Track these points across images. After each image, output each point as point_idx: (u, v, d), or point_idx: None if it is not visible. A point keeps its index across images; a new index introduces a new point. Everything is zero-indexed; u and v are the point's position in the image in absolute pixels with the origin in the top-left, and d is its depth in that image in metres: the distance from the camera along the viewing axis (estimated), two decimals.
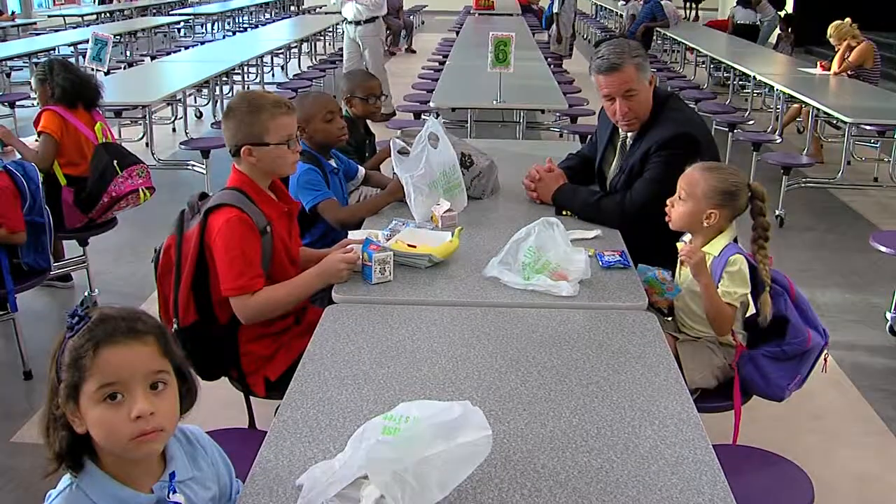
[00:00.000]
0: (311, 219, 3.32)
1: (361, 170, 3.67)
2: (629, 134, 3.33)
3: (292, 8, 23.22)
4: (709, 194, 2.66)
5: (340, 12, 9.75)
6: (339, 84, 4.31)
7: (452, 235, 2.85)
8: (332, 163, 3.46)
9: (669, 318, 2.88)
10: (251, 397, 2.77)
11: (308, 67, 12.25)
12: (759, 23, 13.37)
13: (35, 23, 15.93)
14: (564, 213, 3.28)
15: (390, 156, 3.31)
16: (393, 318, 2.42)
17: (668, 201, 2.76)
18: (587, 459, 1.72)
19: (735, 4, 14.08)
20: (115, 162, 4.43)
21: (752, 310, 2.75)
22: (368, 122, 4.23)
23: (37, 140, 4.54)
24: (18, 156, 4.33)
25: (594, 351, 2.22)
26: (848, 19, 8.58)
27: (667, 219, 2.76)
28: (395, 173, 3.33)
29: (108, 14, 17.87)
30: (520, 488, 1.63)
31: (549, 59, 10.02)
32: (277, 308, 2.64)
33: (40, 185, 3.82)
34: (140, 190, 4.52)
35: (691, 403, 1.96)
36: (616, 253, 2.83)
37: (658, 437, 1.81)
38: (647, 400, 1.96)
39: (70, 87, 4.52)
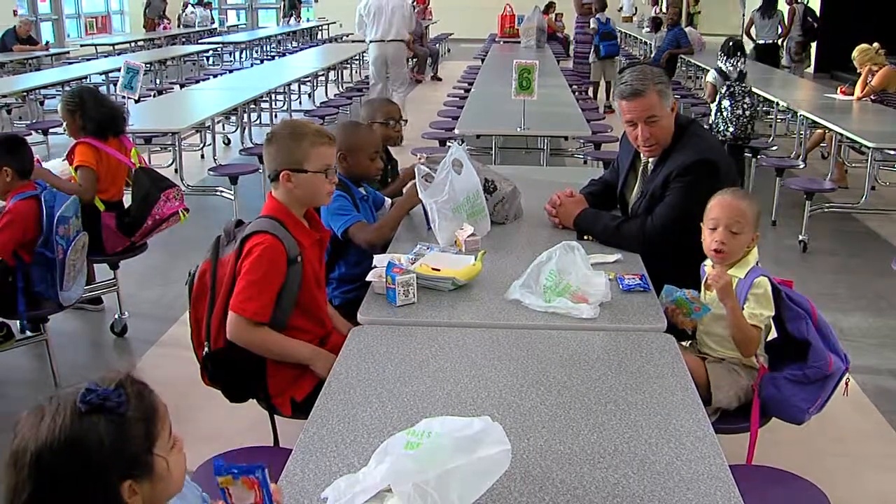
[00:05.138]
0: (343, 245, 3.37)
1: (388, 200, 3.73)
2: (650, 159, 3.37)
3: (319, 36, 23.48)
4: (756, 220, 2.73)
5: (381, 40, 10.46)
6: (360, 112, 4.38)
7: (475, 259, 2.90)
8: (362, 190, 3.53)
9: (687, 343, 2.90)
10: (276, 417, 2.82)
11: (335, 95, 12.37)
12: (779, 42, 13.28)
13: (68, 52, 16.20)
14: (586, 237, 3.33)
15: (412, 180, 3.37)
16: (416, 339, 2.47)
17: (713, 240, 2.74)
18: (604, 475, 1.77)
19: (756, 9, 13.51)
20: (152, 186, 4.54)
21: (773, 333, 2.79)
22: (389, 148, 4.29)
23: (68, 170, 4.60)
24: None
25: (613, 371, 2.26)
26: (876, 44, 8.56)
27: (717, 256, 2.74)
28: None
29: (137, 42, 18.15)
30: (538, 502, 1.68)
31: (573, 86, 10.07)
32: (264, 352, 2.68)
33: (55, 224, 3.78)
34: (179, 211, 4.62)
35: (707, 422, 2.00)
36: (636, 276, 2.88)
37: (674, 453, 1.85)
38: (664, 418, 2.01)
39: (102, 121, 4.61)
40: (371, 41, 10.48)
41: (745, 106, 7.31)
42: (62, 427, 1.28)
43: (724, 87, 7.43)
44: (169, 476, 1.40)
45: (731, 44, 7.82)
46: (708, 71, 8.72)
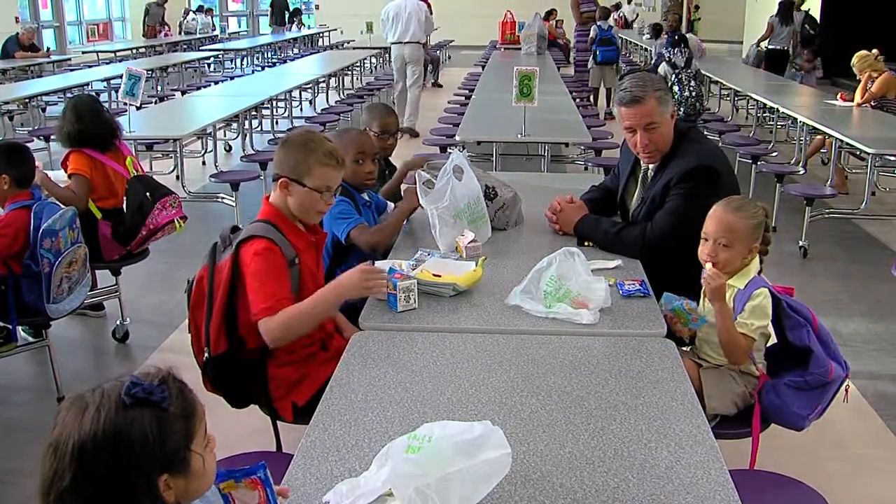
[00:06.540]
0: (345, 250, 3.39)
1: (390, 205, 3.74)
2: (650, 166, 3.38)
3: (320, 43, 23.50)
4: (750, 233, 2.71)
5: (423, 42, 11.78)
6: (361, 116, 4.37)
7: (476, 265, 2.92)
8: (365, 196, 3.54)
9: (686, 348, 2.90)
10: (278, 422, 2.83)
11: (336, 102, 12.39)
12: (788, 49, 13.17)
13: (69, 59, 16.23)
14: (586, 243, 3.34)
15: (404, 181, 3.38)
16: (417, 344, 2.49)
17: (703, 251, 2.75)
18: (604, 479, 1.78)
19: (774, 15, 13.32)
20: (147, 194, 4.54)
21: (773, 340, 2.80)
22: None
23: (69, 180, 4.60)
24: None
25: (613, 376, 2.27)
26: (875, 50, 8.58)
27: (709, 268, 2.72)
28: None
29: (139, 49, 18.19)
30: None
31: (574, 94, 10.09)
32: (299, 323, 2.59)
33: (40, 238, 3.72)
34: (175, 220, 4.62)
35: (707, 427, 2.01)
36: (636, 282, 2.89)
37: (674, 458, 1.86)
38: (664, 423, 2.02)
39: (76, 135, 4.57)
40: (391, 43, 11.52)
41: (691, 88, 8.83)
42: (107, 418, 1.30)
43: (673, 75, 8.86)
44: (203, 473, 1.42)
45: (675, 37, 9.45)
46: (660, 64, 10.08)
